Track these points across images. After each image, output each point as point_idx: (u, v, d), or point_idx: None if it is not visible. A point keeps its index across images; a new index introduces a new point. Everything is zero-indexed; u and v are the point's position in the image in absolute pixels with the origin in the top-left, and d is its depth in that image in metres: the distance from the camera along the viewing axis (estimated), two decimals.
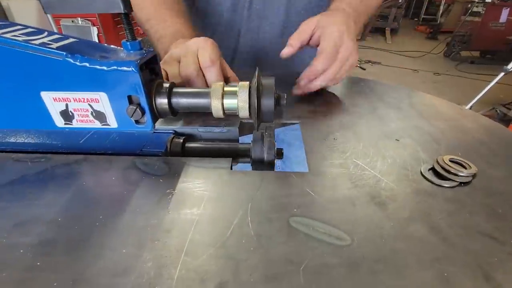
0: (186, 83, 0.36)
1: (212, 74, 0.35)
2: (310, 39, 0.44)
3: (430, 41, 4.24)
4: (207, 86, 0.36)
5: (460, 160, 0.29)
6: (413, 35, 4.72)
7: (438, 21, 4.70)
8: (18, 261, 0.20)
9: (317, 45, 0.43)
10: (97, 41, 2.30)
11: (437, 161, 0.29)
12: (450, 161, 0.29)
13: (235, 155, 0.35)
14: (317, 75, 0.43)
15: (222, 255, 0.20)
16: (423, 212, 0.24)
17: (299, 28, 0.45)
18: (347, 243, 0.21)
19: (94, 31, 2.36)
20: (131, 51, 0.27)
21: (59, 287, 0.18)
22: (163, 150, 0.33)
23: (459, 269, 0.20)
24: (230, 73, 0.39)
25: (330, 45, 0.41)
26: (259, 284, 0.19)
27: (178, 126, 0.37)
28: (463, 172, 0.28)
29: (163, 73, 0.35)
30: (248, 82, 0.30)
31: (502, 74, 1.86)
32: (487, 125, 0.38)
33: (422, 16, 5.16)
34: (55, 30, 2.33)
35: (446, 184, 0.27)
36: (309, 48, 0.46)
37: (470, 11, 3.39)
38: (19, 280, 0.18)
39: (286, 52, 0.44)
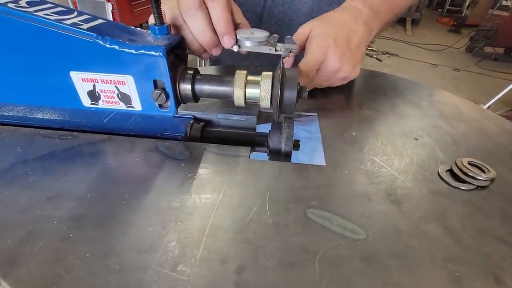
0: (186, 18, 0.31)
1: (217, 9, 0.30)
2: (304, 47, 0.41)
3: (453, 35, 4.05)
4: (212, 25, 0.31)
5: (479, 163, 0.29)
6: (435, 27, 4.51)
7: (464, 13, 4.47)
8: (53, 232, 0.21)
9: None
10: (111, 17, 2.29)
11: (456, 163, 0.29)
12: (469, 163, 0.29)
13: (252, 143, 0.35)
14: None
15: (241, 240, 0.21)
16: (438, 212, 0.25)
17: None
18: (362, 237, 0.22)
19: (109, 7, 2.33)
20: (159, 36, 0.28)
21: (92, 258, 0.20)
22: (183, 135, 0.34)
23: (470, 270, 0.20)
24: (241, 19, 0.35)
25: (308, 61, 0.38)
26: (277, 269, 0.20)
27: (198, 112, 0.38)
28: (482, 176, 0.28)
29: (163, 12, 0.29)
30: (271, 73, 0.30)
31: None
32: (509, 129, 0.38)
33: (447, 7, 4.90)
34: (71, 5, 2.32)
35: (463, 186, 0.27)
36: None
37: (498, 4, 3.21)
38: (55, 249, 0.20)
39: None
